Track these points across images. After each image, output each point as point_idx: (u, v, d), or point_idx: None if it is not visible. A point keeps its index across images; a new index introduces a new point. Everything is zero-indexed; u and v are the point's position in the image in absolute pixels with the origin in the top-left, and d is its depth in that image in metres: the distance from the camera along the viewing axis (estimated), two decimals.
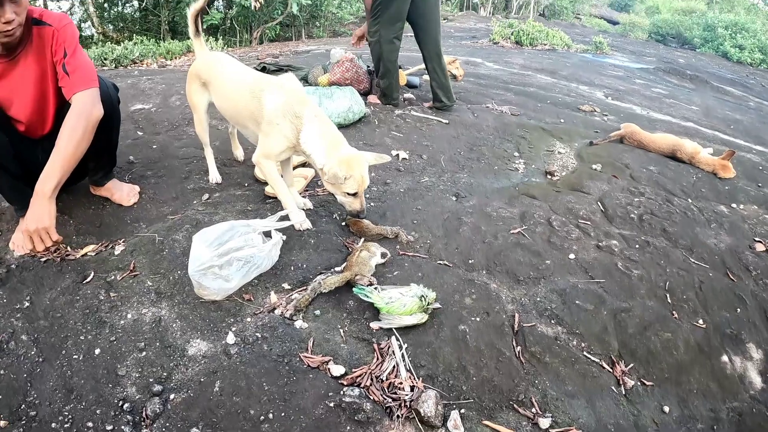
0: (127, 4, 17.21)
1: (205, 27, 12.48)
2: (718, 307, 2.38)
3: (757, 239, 3.02)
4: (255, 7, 11.04)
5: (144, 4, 15.30)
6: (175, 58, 9.20)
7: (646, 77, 9.71)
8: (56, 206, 2.41)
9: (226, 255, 2.06)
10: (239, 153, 3.38)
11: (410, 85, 5.50)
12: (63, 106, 2.54)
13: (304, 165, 3.17)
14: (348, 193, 2.44)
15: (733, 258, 2.77)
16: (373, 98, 4.60)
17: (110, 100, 2.57)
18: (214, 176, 3.14)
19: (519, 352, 1.94)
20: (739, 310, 2.39)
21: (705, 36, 20.01)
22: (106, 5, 16.20)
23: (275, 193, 2.70)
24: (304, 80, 5.10)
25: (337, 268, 2.25)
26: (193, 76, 2.93)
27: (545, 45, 12.31)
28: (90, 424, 1.67)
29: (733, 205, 3.48)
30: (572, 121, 5.11)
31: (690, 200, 3.38)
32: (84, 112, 2.33)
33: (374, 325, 1.98)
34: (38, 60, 2.42)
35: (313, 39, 14.51)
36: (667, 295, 2.37)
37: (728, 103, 8.60)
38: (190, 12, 2.93)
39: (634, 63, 11.72)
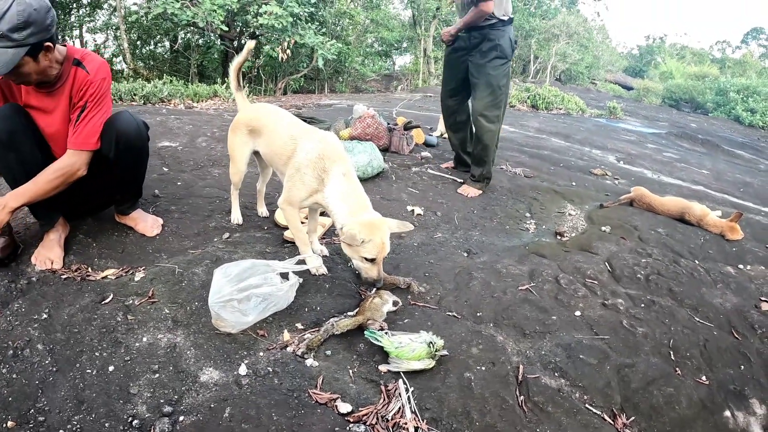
0: (159, 44, 17.80)
1: None
2: (722, 364, 2.41)
3: (763, 299, 3.06)
4: (282, 58, 11.38)
5: (176, 46, 15.82)
6: (202, 100, 9.46)
7: (658, 142, 9.85)
8: (81, 229, 2.80)
9: (245, 290, 2.17)
10: (263, 210, 3.47)
11: (428, 144, 5.66)
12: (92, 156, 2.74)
13: (322, 213, 3.29)
14: (366, 259, 2.42)
15: (739, 317, 2.81)
16: (466, 189, 4.40)
17: (141, 136, 2.76)
18: (236, 217, 3.27)
19: (522, 402, 1.99)
20: (743, 367, 2.42)
21: (717, 100, 20.20)
22: (139, 43, 16.77)
23: (293, 239, 2.81)
24: None
25: (350, 313, 2.33)
26: (240, 125, 2.97)
27: (560, 109, 12.54)
28: None
29: (740, 266, 3.53)
30: (584, 184, 5.22)
31: (697, 261, 3.44)
32: (68, 169, 2.55)
33: (383, 367, 2.06)
34: (70, 98, 2.61)
35: (335, 93, 14.85)
36: (671, 353, 2.41)
37: (739, 166, 8.70)
38: (233, 66, 3.04)
39: (646, 128, 11.89)
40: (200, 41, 15.57)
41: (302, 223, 2.90)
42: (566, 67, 23.39)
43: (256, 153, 3.01)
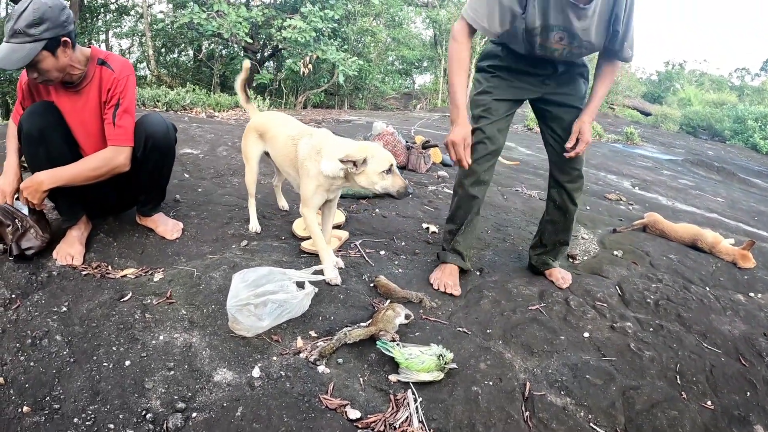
0: (183, 53, 18.05)
1: (254, 85, 13.07)
2: (728, 390, 2.42)
3: None
4: (303, 72, 11.53)
5: (200, 55, 16.06)
6: (223, 110, 9.60)
7: (674, 168, 9.85)
8: (103, 228, 2.94)
9: (262, 296, 2.24)
10: (283, 203, 3.66)
11: (445, 164, 5.73)
12: None
13: (339, 227, 3.35)
14: (382, 172, 2.58)
15: (747, 344, 2.82)
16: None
17: (169, 138, 2.88)
18: (254, 225, 3.38)
19: (527, 417, 2.03)
20: (749, 393, 2.42)
21: (735, 128, 20.08)
22: (163, 50, 17.02)
23: (313, 247, 2.90)
24: None
25: (363, 323, 2.39)
26: (251, 130, 3.23)
27: None
28: (111, 426, 1.79)
29: (751, 294, 3.54)
30: (597, 208, 5.25)
31: (707, 288, 3.46)
32: (111, 161, 2.66)
33: (392, 377, 2.11)
34: (97, 99, 2.71)
35: (354, 109, 14.97)
36: (677, 377, 2.43)
37: (754, 195, 8.68)
38: (238, 83, 3.31)
39: (663, 154, 11.88)
40: (224, 52, 15.79)
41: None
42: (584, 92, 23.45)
43: (268, 154, 3.21)
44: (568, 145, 2.78)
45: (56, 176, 2.52)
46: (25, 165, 3.29)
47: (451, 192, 3.53)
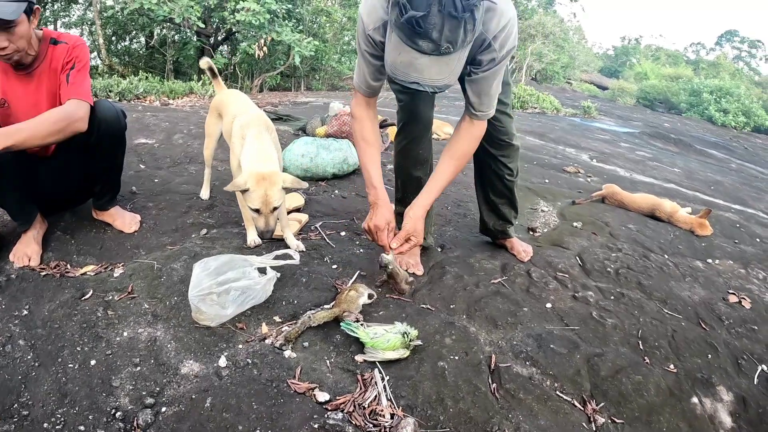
0: (135, 40, 17.68)
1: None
2: (690, 354, 2.48)
3: (730, 291, 3.17)
4: (259, 55, 11.38)
5: (152, 42, 15.74)
6: (178, 97, 9.46)
7: (632, 141, 10.02)
8: (59, 225, 2.89)
9: (224, 284, 2.21)
10: None
11: None
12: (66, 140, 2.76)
13: (298, 210, 3.33)
14: (252, 208, 2.56)
15: (707, 309, 2.90)
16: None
17: (119, 122, 2.80)
18: (205, 193, 3.56)
19: (495, 389, 2.05)
20: (710, 356, 2.49)
21: (691, 101, 20.55)
22: (114, 38, 16.64)
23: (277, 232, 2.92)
24: (302, 131, 5.30)
25: (327, 306, 2.38)
26: (213, 108, 3.38)
27: (535, 108, 12.68)
28: (82, 428, 1.76)
29: (709, 261, 3.64)
30: (557, 181, 5.32)
31: (666, 256, 3.54)
32: (72, 114, 2.52)
33: (359, 357, 2.11)
34: (51, 78, 2.65)
35: (311, 91, 14.88)
36: (640, 343, 2.48)
37: (710, 165, 8.89)
38: (202, 65, 3.45)
39: (620, 127, 12.07)
40: (176, 37, 15.49)
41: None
42: (542, 66, 23.62)
43: None
44: (394, 245, 2.54)
45: (10, 135, 2.26)
46: None
47: None
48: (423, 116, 2.82)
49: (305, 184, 2.68)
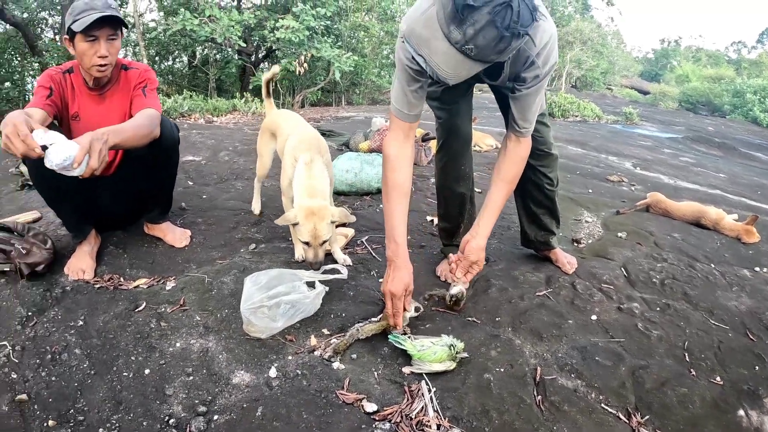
0: (177, 60, 18.08)
1: (251, 87, 13.10)
2: (736, 365, 2.45)
3: None
4: (299, 72, 11.53)
5: (194, 61, 16.08)
6: (221, 115, 9.63)
7: (675, 146, 9.86)
8: (112, 240, 3.00)
9: (275, 298, 2.29)
10: None
11: None
12: (126, 158, 2.94)
13: (344, 225, 3.40)
14: (300, 240, 2.66)
15: (754, 319, 2.85)
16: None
17: (173, 137, 2.90)
18: (256, 206, 3.63)
19: (539, 401, 2.07)
20: (757, 368, 2.45)
21: (734, 102, 20.03)
22: (157, 58, 17.05)
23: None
24: (346, 146, 5.37)
25: (374, 318, 2.42)
26: (265, 129, 3.46)
27: (576, 116, 12.56)
28: None
29: (756, 269, 3.57)
30: (600, 191, 5.28)
31: (712, 265, 3.49)
32: (154, 121, 2.66)
33: (406, 369, 2.16)
34: (122, 100, 2.81)
35: (352, 105, 14.98)
36: (686, 354, 2.46)
37: (755, 168, 8.70)
38: (264, 78, 3.51)
39: (663, 132, 11.88)
40: (218, 56, 15.80)
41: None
42: (581, 73, 23.38)
43: None
44: (459, 274, 2.52)
45: (118, 133, 2.35)
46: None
47: None
48: (462, 132, 2.84)
49: (353, 218, 2.78)
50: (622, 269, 3.27)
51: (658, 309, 2.83)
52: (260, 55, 14.44)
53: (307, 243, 2.62)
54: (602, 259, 3.41)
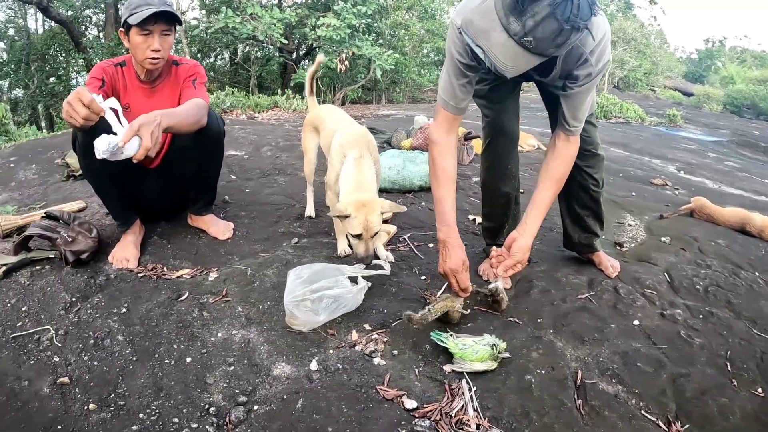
0: (219, 57, 18.34)
1: (292, 84, 13.22)
2: None
3: None
4: (340, 69, 11.58)
5: (236, 58, 16.28)
6: (263, 111, 9.73)
7: (719, 150, 9.65)
8: (156, 231, 3.08)
9: (318, 291, 2.32)
10: None
11: None
12: (172, 149, 3.00)
13: (386, 222, 3.42)
14: (352, 234, 2.62)
15: None
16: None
17: (219, 128, 2.97)
18: (310, 210, 3.60)
19: (580, 405, 2.06)
20: None
21: None
22: (199, 55, 17.31)
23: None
24: (388, 143, 5.39)
25: (438, 299, 2.48)
26: (308, 124, 3.46)
27: (619, 117, 12.39)
28: (176, 420, 1.89)
29: None
30: (643, 194, 5.21)
31: (757, 273, 3.41)
32: (202, 109, 2.73)
33: (447, 367, 2.17)
34: (171, 93, 2.89)
35: (392, 103, 15.01)
36: (727, 364, 2.42)
37: None
38: (308, 74, 3.55)
39: (707, 136, 11.62)
40: (259, 54, 15.95)
41: None
42: (624, 74, 23.00)
43: None
44: (500, 272, 2.48)
45: (170, 116, 2.44)
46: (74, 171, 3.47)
47: None
48: (509, 130, 2.83)
49: (403, 208, 2.77)
50: (666, 275, 3.22)
51: (701, 316, 2.78)
52: (301, 53, 14.55)
53: (358, 236, 2.61)
54: (645, 263, 3.36)
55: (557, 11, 1.69)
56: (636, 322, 2.65)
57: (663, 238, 3.88)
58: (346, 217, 2.60)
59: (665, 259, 3.45)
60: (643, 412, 2.08)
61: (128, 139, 2.21)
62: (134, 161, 2.29)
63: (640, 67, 23.26)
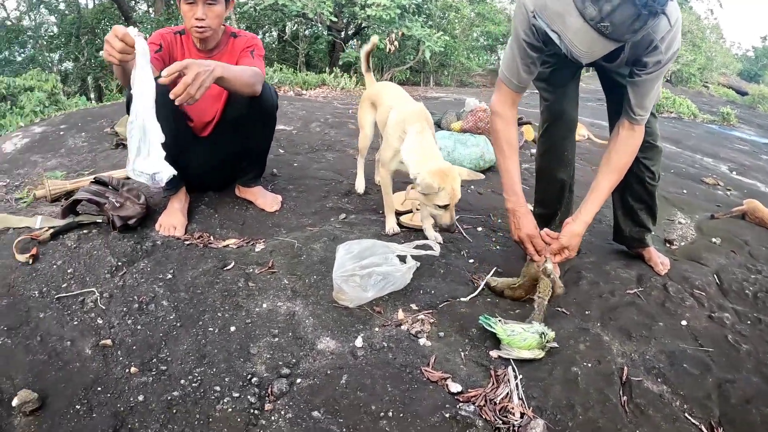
0: (268, 34, 18.35)
1: (340, 63, 13.16)
2: None
3: None
4: (389, 50, 11.48)
5: (285, 36, 16.28)
6: (311, 89, 9.73)
7: None
8: (203, 200, 3.08)
9: (367, 268, 2.32)
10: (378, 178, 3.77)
11: (537, 142, 5.65)
12: (225, 118, 3.01)
13: None
14: (438, 206, 2.59)
15: None
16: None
17: (272, 100, 2.97)
18: (360, 185, 3.59)
19: (625, 402, 2.04)
20: None
21: None
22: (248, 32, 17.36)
23: (411, 221, 3.08)
24: (437, 125, 5.35)
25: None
26: (365, 100, 3.43)
27: (671, 113, 12.08)
28: (217, 388, 1.91)
29: None
30: (694, 192, 5.09)
31: None
32: (258, 76, 2.72)
33: (494, 353, 2.16)
34: (229, 63, 2.86)
35: (440, 86, 14.88)
36: None
37: None
38: (363, 52, 3.51)
39: (761, 138, 11.25)
40: (307, 32, 15.88)
41: (418, 209, 3.08)
42: (677, 68, 22.37)
43: None
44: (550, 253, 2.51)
45: (225, 68, 2.43)
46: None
47: None
48: (568, 116, 2.79)
49: (481, 176, 2.77)
50: (715, 276, 3.15)
51: (749, 322, 2.72)
52: (350, 32, 14.44)
53: (444, 206, 2.59)
54: (695, 263, 3.29)
55: None
56: (684, 323, 2.61)
57: (713, 239, 3.79)
58: (437, 190, 2.56)
59: (715, 261, 3.37)
60: (686, 414, 2.05)
61: (172, 73, 2.18)
62: (175, 102, 2.24)
63: (694, 62, 22.60)
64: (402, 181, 3.34)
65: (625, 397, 2.07)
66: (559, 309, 2.56)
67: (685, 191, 5.05)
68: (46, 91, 7.57)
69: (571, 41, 1.85)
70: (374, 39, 3.47)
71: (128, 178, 3.34)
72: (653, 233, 3.15)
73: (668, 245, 3.59)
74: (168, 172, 2.26)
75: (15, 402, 1.78)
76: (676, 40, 2.15)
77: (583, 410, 1.95)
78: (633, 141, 2.44)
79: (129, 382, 1.93)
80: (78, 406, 1.83)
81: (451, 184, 2.57)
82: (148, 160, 2.23)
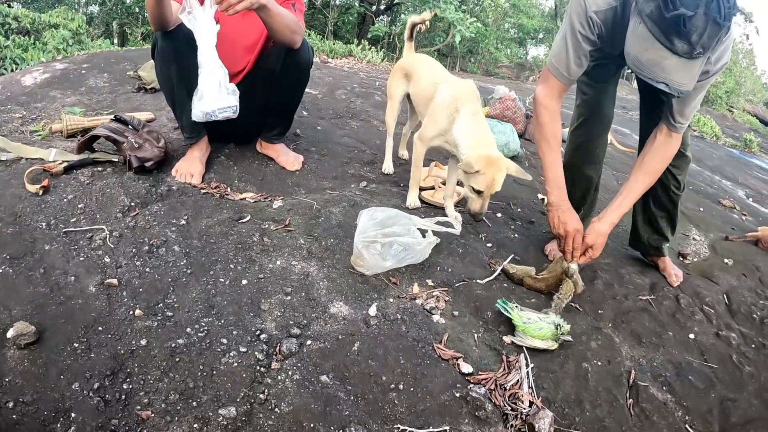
0: None
1: (369, 36, 13.05)
2: None
3: None
4: (420, 29, 11.41)
5: (316, 3, 16.18)
6: (337, 58, 9.65)
7: None
8: (223, 152, 3.04)
9: (390, 236, 2.30)
10: (404, 152, 3.76)
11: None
12: (257, 69, 2.93)
13: (459, 183, 3.39)
14: (474, 189, 2.56)
15: None
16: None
17: (308, 56, 2.90)
18: (388, 166, 3.47)
19: (631, 405, 2.05)
20: None
21: None
22: None
23: (433, 198, 3.07)
24: None
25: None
26: (399, 69, 3.32)
27: (694, 131, 12.00)
28: (224, 341, 1.89)
29: None
30: (711, 212, 5.07)
31: None
32: (299, 25, 2.66)
33: (507, 338, 2.16)
34: None
35: (466, 73, 14.76)
36: None
37: None
38: (410, 20, 3.44)
39: None
40: (338, 1, 15.77)
41: (440, 186, 3.04)
42: None
43: (409, 98, 3.28)
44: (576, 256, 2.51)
45: (273, 2, 2.42)
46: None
47: None
48: (605, 113, 2.77)
49: (529, 177, 2.70)
50: (725, 296, 3.15)
51: (753, 346, 2.72)
52: (381, 7, 14.33)
53: (479, 192, 2.56)
54: (707, 280, 3.29)
55: (714, 15, 1.73)
56: (692, 336, 2.61)
57: (726, 260, 3.78)
58: (475, 172, 2.52)
59: (727, 281, 3.36)
60: (688, 426, 2.06)
61: None
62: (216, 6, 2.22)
63: (723, 84, 22.42)
64: (428, 158, 3.31)
65: (631, 400, 2.07)
66: (573, 304, 2.55)
67: (702, 209, 5.03)
68: (71, 29, 7.54)
69: (678, 83, 1.90)
70: (425, 15, 3.40)
71: (148, 121, 3.32)
72: (669, 244, 3.14)
73: (681, 258, 3.58)
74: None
75: (10, 333, 1.74)
76: (726, 54, 2.15)
77: (591, 407, 1.96)
78: (669, 147, 2.43)
79: (132, 324, 1.90)
80: (76, 344, 1.80)
81: (494, 174, 2.52)
82: (221, 96, 2.37)
